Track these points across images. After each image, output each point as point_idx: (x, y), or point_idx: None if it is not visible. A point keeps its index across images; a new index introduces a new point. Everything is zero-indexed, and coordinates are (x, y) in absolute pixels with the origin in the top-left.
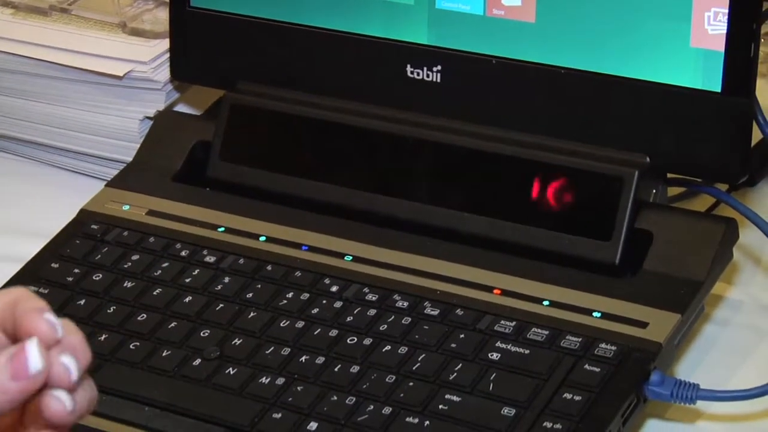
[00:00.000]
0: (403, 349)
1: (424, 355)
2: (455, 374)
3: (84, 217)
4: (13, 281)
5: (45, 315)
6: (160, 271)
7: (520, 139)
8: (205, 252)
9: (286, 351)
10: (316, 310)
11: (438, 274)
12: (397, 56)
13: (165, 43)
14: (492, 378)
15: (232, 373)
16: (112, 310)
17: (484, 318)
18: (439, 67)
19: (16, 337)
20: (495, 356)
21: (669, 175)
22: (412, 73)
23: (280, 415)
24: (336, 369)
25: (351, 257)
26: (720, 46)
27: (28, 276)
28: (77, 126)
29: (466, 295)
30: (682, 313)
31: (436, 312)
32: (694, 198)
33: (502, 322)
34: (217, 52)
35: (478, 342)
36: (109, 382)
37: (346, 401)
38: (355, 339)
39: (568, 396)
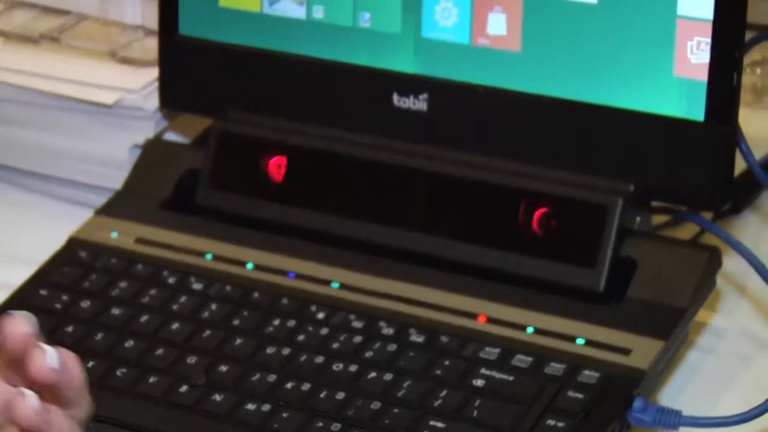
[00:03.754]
0: (388, 376)
1: (409, 382)
2: (440, 401)
3: (72, 244)
4: (2, 308)
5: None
6: (147, 298)
7: (505, 167)
8: (192, 279)
9: (272, 378)
10: (302, 337)
11: (423, 301)
12: (384, 84)
13: (154, 72)
14: (476, 404)
15: (218, 399)
16: (99, 336)
17: (469, 345)
18: (425, 96)
19: None
20: (480, 383)
21: (655, 204)
22: (398, 101)
23: None
24: (322, 395)
25: (338, 284)
26: (703, 76)
27: (16, 303)
28: (66, 154)
29: (451, 322)
30: (665, 340)
31: (421, 339)
32: (678, 226)
33: (487, 348)
34: (205, 81)
35: (462, 369)
36: (97, 409)
37: (332, 428)
38: (341, 366)
39: (551, 422)
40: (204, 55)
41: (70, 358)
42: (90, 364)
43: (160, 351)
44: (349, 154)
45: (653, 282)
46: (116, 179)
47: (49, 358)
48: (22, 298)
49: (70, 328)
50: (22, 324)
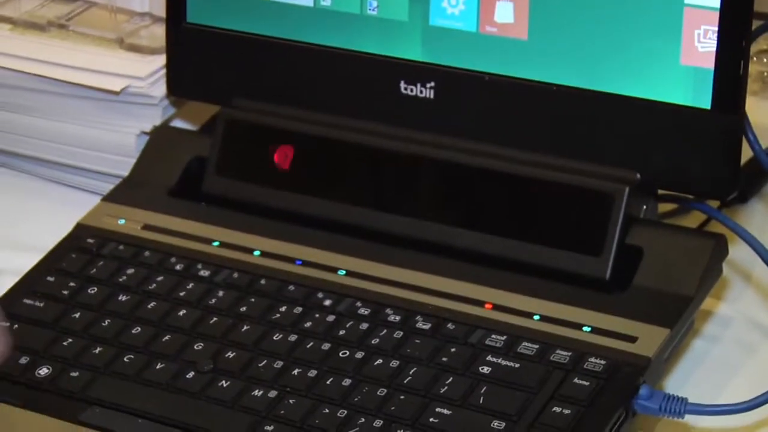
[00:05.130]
0: (394, 363)
1: (415, 369)
2: (446, 387)
3: (80, 231)
4: (10, 294)
5: None
6: (154, 285)
7: (512, 155)
8: (199, 266)
9: (279, 364)
10: (309, 324)
11: (430, 288)
12: (391, 72)
13: (162, 59)
14: (482, 391)
15: (225, 385)
16: (107, 323)
17: (475, 332)
18: (432, 84)
19: None
20: (486, 370)
21: (662, 192)
22: (405, 89)
23: (272, 427)
24: (328, 382)
25: (344, 272)
26: (710, 64)
27: (24, 289)
28: (74, 141)
29: (457, 309)
30: (671, 328)
31: (427, 326)
32: (685, 214)
33: (493, 336)
34: (212, 68)
35: (469, 356)
36: (104, 395)
37: (338, 414)
38: (348, 352)
39: (557, 409)
40: (211, 43)
41: None
42: (97, 350)
43: (167, 337)
44: (355, 141)
45: (659, 270)
46: (123, 166)
47: None
48: (29, 284)
49: (77, 315)
50: None
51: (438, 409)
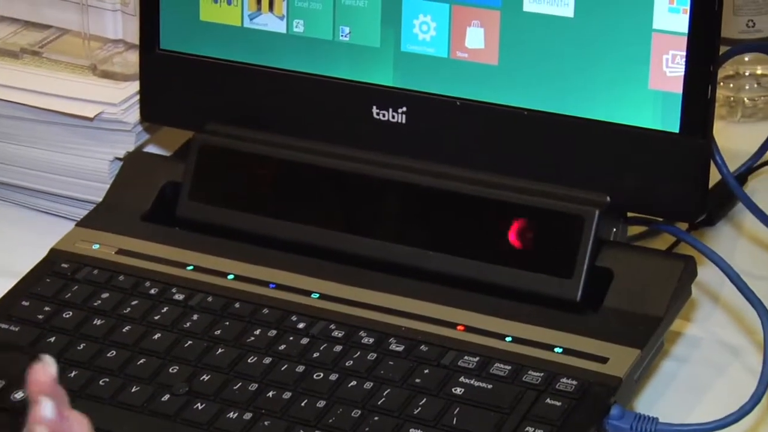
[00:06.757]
0: (368, 385)
1: (389, 390)
2: (420, 409)
3: (54, 256)
4: None
5: None
6: (129, 309)
7: (483, 178)
8: (174, 290)
9: (253, 387)
10: (283, 347)
11: (403, 311)
12: (363, 98)
13: (135, 86)
14: (456, 412)
15: (200, 408)
16: (81, 347)
17: (448, 354)
18: (404, 109)
19: None
20: (459, 391)
21: (632, 215)
22: (377, 114)
23: None
24: (303, 404)
25: (318, 295)
26: (678, 88)
27: None
28: (48, 167)
29: (430, 331)
30: (641, 349)
31: (401, 348)
32: (655, 237)
33: (466, 357)
34: (186, 94)
35: (442, 377)
36: None
37: None
38: (322, 375)
39: (530, 430)
40: (185, 69)
41: (77, 419)
42: (72, 373)
43: (141, 361)
44: (328, 166)
45: (629, 291)
46: (97, 192)
47: (44, 409)
48: (3, 309)
49: (52, 339)
50: (42, 372)
51: (412, 430)
